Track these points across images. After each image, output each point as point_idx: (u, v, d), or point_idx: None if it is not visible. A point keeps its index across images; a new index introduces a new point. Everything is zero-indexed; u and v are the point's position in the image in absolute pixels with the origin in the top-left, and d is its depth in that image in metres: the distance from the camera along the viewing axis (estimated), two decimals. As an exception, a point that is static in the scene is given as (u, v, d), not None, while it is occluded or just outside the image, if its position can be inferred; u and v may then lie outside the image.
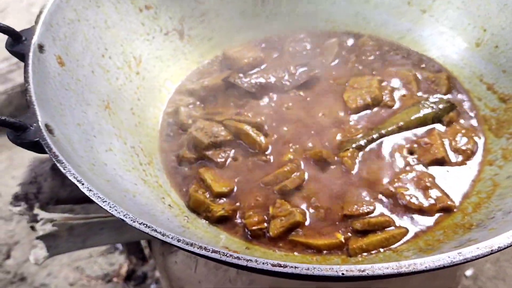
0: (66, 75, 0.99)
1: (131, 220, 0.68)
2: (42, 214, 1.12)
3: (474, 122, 1.13)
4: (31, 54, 0.90)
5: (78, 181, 0.72)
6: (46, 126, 0.80)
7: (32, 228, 1.18)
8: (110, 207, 0.69)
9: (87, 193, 0.71)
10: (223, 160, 1.10)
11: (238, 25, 1.40)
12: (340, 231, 0.95)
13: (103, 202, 0.70)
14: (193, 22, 1.35)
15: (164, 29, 1.30)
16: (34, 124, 0.79)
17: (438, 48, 1.29)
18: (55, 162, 0.74)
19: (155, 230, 0.67)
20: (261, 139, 1.10)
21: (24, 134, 0.78)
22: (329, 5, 1.41)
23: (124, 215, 0.68)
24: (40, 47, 0.93)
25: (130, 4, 1.22)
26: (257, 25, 1.41)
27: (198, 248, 0.63)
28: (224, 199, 1.04)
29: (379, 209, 0.98)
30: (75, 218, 1.13)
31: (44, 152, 0.79)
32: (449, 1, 1.26)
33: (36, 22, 0.96)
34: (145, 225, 0.67)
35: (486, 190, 0.99)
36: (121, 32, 1.19)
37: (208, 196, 1.03)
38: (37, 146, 0.78)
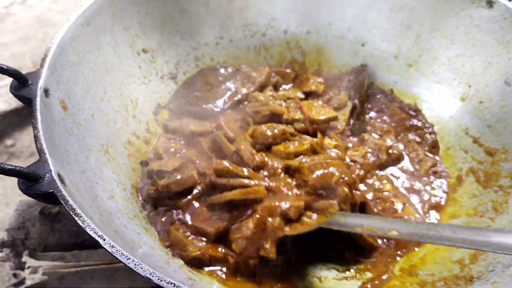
0: (69, 119, 0.96)
1: (158, 279, 0.66)
2: (31, 262, 1.06)
3: None
4: (38, 99, 0.87)
5: (99, 236, 0.70)
6: (58, 175, 0.78)
7: (15, 275, 1.12)
8: (135, 265, 0.67)
9: (109, 249, 0.69)
10: None
11: (230, 70, 1.42)
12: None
13: (128, 259, 0.68)
14: (188, 67, 1.36)
15: (160, 72, 1.30)
16: (47, 174, 0.76)
17: (423, 101, 1.36)
18: (73, 215, 0.72)
19: (184, 290, 0.65)
20: None
21: (37, 185, 0.75)
22: (319, 55, 1.46)
23: (150, 274, 0.66)
24: (46, 91, 0.91)
25: (128, 47, 1.21)
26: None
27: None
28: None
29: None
30: (66, 266, 1.08)
31: (55, 203, 0.76)
32: (435, 57, 1.33)
33: (42, 65, 0.94)
34: (173, 285, 0.65)
35: (481, 242, 1.03)
36: (119, 75, 1.18)
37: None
38: (50, 198, 0.75)
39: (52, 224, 1.12)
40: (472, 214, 1.11)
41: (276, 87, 1.39)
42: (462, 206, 1.15)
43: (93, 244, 1.13)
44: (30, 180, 0.75)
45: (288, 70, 1.43)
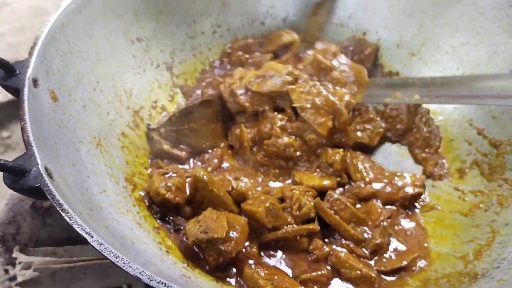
0: (59, 111, 0.93)
1: (148, 279, 0.63)
2: (22, 258, 1.03)
3: None
4: (26, 90, 0.84)
5: (87, 233, 0.66)
6: (46, 169, 0.74)
7: (6, 271, 1.09)
8: (124, 263, 0.64)
9: (97, 247, 0.66)
10: None
11: (228, 60, 1.38)
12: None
13: (116, 258, 0.64)
14: (184, 56, 1.32)
15: (155, 62, 1.26)
16: (34, 168, 0.73)
17: (427, 91, 1.32)
18: (60, 211, 0.68)
19: (175, 290, 0.62)
20: None
21: (23, 180, 0.71)
22: (319, 44, 1.42)
23: (140, 273, 0.63)
24: (34, 81, 0.87)
25: (122, 36, 1.17)
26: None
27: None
28: None
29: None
30: (58, 262, 1.05)
31: (42, 197, 0.73)
32: (438, 45, 1.29)
33: (30, 54, 0.90)
34: (164, 284, 0.62)
35: (485, 237, 1.00)
36: (113, 65, 1.14)
37: None
38: (36, 192, 0.72)
39: (44, 218, 1.09)
40: (476, 208, 1.08)
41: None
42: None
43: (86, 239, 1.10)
44: (15, 174, 0.71)
45: (250, 40, 1.39)
